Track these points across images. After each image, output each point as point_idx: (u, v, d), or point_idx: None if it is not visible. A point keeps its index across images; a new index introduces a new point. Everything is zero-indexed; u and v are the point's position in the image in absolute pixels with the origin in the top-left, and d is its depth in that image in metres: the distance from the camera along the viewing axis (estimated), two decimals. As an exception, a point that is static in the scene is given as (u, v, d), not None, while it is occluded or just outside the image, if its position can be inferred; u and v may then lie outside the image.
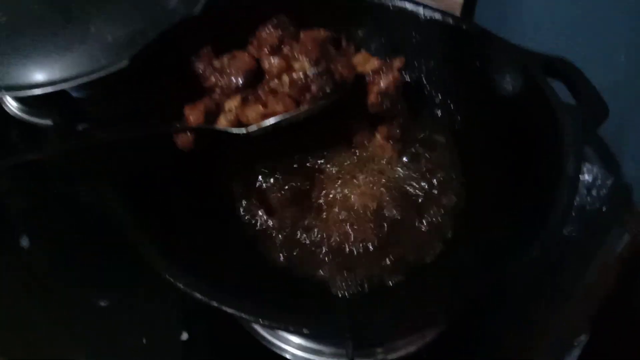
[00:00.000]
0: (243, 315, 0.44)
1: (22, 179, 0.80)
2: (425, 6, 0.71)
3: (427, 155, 0.71)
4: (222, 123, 0.64)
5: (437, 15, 0.70)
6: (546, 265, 0.69)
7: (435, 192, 0.67)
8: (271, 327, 0.45)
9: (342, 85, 0.64)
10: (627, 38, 0.71)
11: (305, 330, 0.43)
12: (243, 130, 0.64)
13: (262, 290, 0.57)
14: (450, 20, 0.69)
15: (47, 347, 0.64)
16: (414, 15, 0.71)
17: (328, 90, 0.63)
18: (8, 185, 0.80)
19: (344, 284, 0.59)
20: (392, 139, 0.71)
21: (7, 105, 0.87)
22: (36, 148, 0.51)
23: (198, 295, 0.44)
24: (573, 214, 0.73)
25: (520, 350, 0.64)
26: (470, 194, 0.66)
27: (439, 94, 0.74)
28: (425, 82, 0.75)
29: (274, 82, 0.67)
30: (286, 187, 0.68)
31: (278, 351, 0.62)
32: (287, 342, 0.62)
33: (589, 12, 0.72)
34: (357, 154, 0.71)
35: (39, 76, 0.73)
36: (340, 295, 0.58)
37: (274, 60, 0.67)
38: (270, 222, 0.64)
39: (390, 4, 0.72)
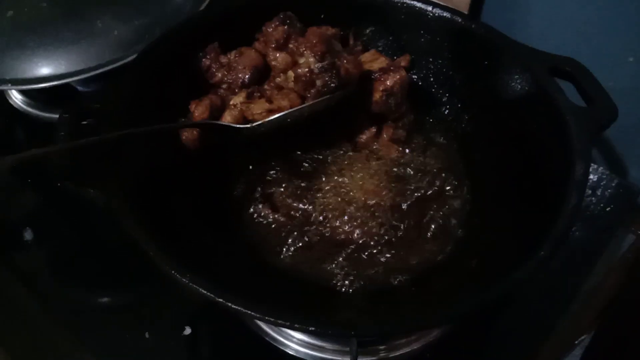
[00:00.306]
0: (249, 312, 0.43)
1: (29, 173, 0.80)
2: (434, 5, 0.70)
3: (433, 156, 0.70)
4: (227, 119, 0.64)
5: (446, 14, 0.70)
6: (550, 265, 0.69)
7: (441, 193, 0.67)
8: (276, 325, 0.45)
9: (347, 81, 0.64)
10: (636, 39, 0.70)
11: (311, 329, 0.43)
12: (247, 126, 0.64)
13: (266, 288, 0.57)
14: (459, 19, 0.69)
15: (49, 342, 0.65)
16: (422, 13, 0.71)
17: (333, 86, 0.63)
18: (14, 178, 0.81)
19: (348, 282, 0.59)
20: (397, 140, 0.70)
21: (12, 99, 0.88)
22: (42, 144, 0.50)
23: (205, 293, 0.44)
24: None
25: (524, 350, 0.63)
26: (476, 195, 0.66)
27: (446, 94, 0.74)
28: (432, 81, 0.75)
29: (280, 78, 0.67)
30: (290, 185, 0.67)
31: (280, 347, 0.63)
32: (290, 338, 0.62)
33: (597, 14, 0.72)
34: (363, 153, 0.70)
35: (45, 70, 0.74)
36: (344, 293, 0.58)
37: (280, 56, 0.67)
38: (274, 220, 0.64)
39: (398, 2, 0.72)
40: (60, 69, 0.73)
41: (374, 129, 0.70)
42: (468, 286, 0.53)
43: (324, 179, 0.68)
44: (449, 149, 0.71)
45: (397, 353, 0.61)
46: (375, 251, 0.61)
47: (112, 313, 0.68)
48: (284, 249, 0.62)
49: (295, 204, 0.65)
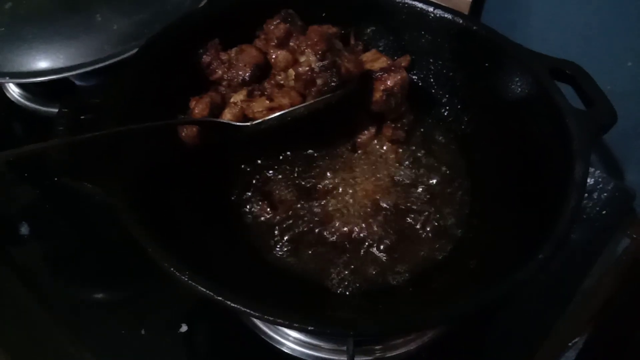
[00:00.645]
0: (248, 311, 0.43)
1: (25, 167, 0.80)
2: (436, 5, 0.70)
3: (433, 156, 0.71)
4: (227, 116, 0.64)
5: (447, 15, 0.70)
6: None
7: (441, 193, 0.67)
8: (275, 324, 0.45)
9: (348, 80, 0.64)
10: (635, 43, 0.71)
11: (310, 328, 0.43)
12: (247, 124, 0.64)
13: (264, 286, 0.57)
14: (460, 21, 0.69)
15: (45, 338, 0.65)
16: (423, 14, 0.71)
17: (333, 85, 0.63)
18: (11, 173, 0.80)
19: (346, 281, 0.59)
20: (396, 141, 0.71)
21: (10, 92, 0.87)
22: (39, 138, 0.50)
23: (204, 291, 0.44)
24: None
25: (521, 350, 0.64)
26: (476, 195, 0.66)
27: (446, 94, 0.74)
28: (432, 81, 0.75)
29: (280, 76, 0.67)
30: (290, 183, 0.67)
31: (277, 345, 0.63)
32: (286, 336, 0.63)
33: (597, 17, 0.72)
34: (362, 153, 0.70)
35: (43, 64, 0.73)
36: (343, 292, 0.58)
37: (281, 54, 0.67)
38: (273, 218, 0.64)
39: (400, 2, 0.72)
40: (59, 62, 0.73)
41: (373, 129, 0.70)
42: (467, 286, 0.53)
43: (323, 178, 0.68)
44: (449, 149, 0.71)
45: (394, 353, 0.61)
46: (374, 251, 0.61)
47: (108, 309, 0.68)
48: (283, 248, 0.62)
49: (294, 203, 0.65)
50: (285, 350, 0.62)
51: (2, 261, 0.71)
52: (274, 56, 0.67)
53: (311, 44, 0.63)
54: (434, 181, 0.68)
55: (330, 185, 0.67)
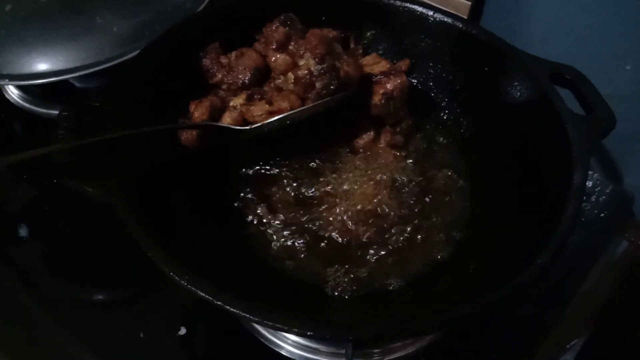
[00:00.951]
0: (247, 316, 0.43)
1: (25, 169, 0.80)
2: (435, 9, 0.71)
3: (432, 159, 0.71)
4: (227, 120, 0.64)
5: (447, 19, 0.70)
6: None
7: (440, 196, 0.67)
8: (274, 329, 0.45)
9: (347, 84, 0.64)
10: (634, 47, 0.71)
11: (309, 333, 0.43)
12: (247, 128, 0.64)
13: (263, 289, 0.57)
14: (460, 25, 0.69)
15: (46, 339, 0.64)
16: (423, 18, 0.71)
17: (333, 88, 0.63)
18: (10, 174, 0.80)
19: (345, 285, 0.59)
20: (395, 145, 0.71)
21: (9, 94, 0.87)
22: (39, 140, 0.50)
23: (204, 295, 0.44)
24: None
25: (519, 353, 0.64)
26: (475, 199, 0.66)
27: (446, 98, 0.74)
28: (432, 85, 0.75)
29: (280, 80, 0.67)
30: (289, 187, 0.67)
31: (275, 348, 0.62)
32: (284, 339, 0.62)
33: (596, 21, 0.72)
34: (362, 157, 0.70)
35: (43, 66, 0.73)
36: (341, 296, 0.58)
37: (280, 57, 0.67)
38: (272, 221, 0.64)
39: (400, 6, 0.72)
40: (59, 65, 0.73)
41: (373, 133, 0.70)
42: (466, 290, 0.54)
43: (322, 181, 0.68)
44: (449, 152, 0.71)
45: (393, 356, 0.61)
46: (373, 254, 0.61)
47: (107, 311, 0.68)
48: (281, 251, 0.62)
49: (293, 206, 0.65)
50: (284, 354, 0.62)
51: (1, 261, 0.71)
52: (273, 59, 0.67)
53: (310, 47, 0.63)
54: (434, 185, 0.68)
55: (330, 189, 0.67)
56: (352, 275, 0.59)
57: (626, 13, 0.69)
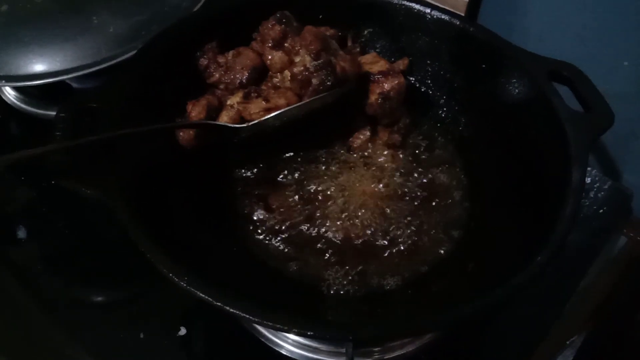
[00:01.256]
0: (247, 316, 0.43)
1: (22, 170, 0.79)
2: (433, 7, 0.70)
3: (430, 158, 0.71)
4: (224, 119, 0.64)
5: (445, 17, 0.70)
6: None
7: (438, 195, 0.67)
8: (274, 329, 0.45)
9: (344, 80, 0.64)
10: (632, 44, 0.71)
11: (309, 333, 0.43)
12: (243, 125, 0.64)
13: (262, 289, 0.57)
14: (457, 22, 0.69)
15: (44, 340, 0.64)
16: (420, 15, 0.71)
17: (329, 84, 0.63)
18: (7, 175, 0.80)
19: (345, 284, 0.59)
20: (392, 145, 0.71)
21: (6, 95, 0.87)
22: (36, 141, 0.50)
23: (203, 296, 0.44)
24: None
25: (519, 351, 0.64)
26: (473, 197, 0.66)
27: (444, 96, 0.74)
28: (430, 83, 0.75)
29: (277, 79, 0.67)
30: (286, 185, 0.67)
31: (275, 347, 0.62)
32: (284, 338, 0.62)
33: (594, 18, 0.72)
34: (360, 156, 0.70)
35: (40, 67, 0.73)
36: (340, 295, 0.58)
37: (276, 55, 0.66)
38: (270, 220, 0.64)
39: (397, 4, 0.72)
40: (56, 65, 0.72)
41: (368, 133, 0.70)
42: (465, 289, 0.54)
43: (320, 181, 0.68)
44: (447, 151, 0.71)
45: (392, 355, 0.61)
46: (372, 254, 0.61)
47: (106, 312, 0.68)
48: (280, 250, 0.62)
49: (291, 206, 0.65)
50: (284, 353, 0.62)
51: (0, 262, 0.71)
52: (269, 57, 0.67)
53: (305, 44, 0.63)
54: (432, 184, 0.68)
55: (327, 188, 0.67)
56: (351, 275, 0.59)
57: (624, 10, 0.69)
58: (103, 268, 0.71)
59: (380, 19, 0.74)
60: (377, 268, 0.60)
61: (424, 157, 0.71)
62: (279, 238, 0.63)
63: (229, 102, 0.65)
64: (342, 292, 0.58)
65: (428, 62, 0.74)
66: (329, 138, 0.71)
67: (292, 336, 0.62)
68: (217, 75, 0.67)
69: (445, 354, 0.63)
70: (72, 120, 0.56)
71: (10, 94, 0.86)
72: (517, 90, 0.64)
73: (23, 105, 0.85)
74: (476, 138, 0.70)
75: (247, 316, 0.43)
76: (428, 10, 0.71)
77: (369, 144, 0.71)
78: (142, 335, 0.63)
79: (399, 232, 0.63)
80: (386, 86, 0.65)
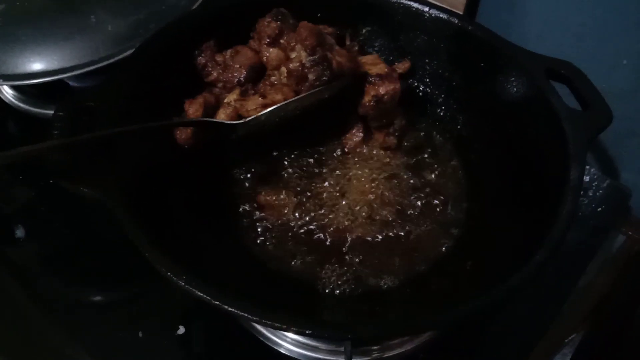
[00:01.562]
0: (245, 315, 0.43)
1: (20, 169, 0.79)
2: (431, 6, 0.70)
3: (429, 157, 0.71)
4: (221, 116, 0.64)
5: (443, 15, 0.70)
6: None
7: (436, 194, 0.67)
8: (273, 328, 0.45)
9: (340, 74, 0.64)
10: (631, 42, 0.71)
11: (307, 332, 0.43)
12: (240, 122, 0.63)
13: (261, 288, 0.57)
14: (456, 21, 0.69)
15: (43, 340, 0.64)
16: (419, 14, 0.71)
17: (325, 79, 0.62)
18: (5, 175, 0.80)
19: (343, 283, 0.59)
20: (388, 147, 0.70)
21: (3, 94, 0.86)
22: (34, 140, 0.50)
23: (202, 295, 0.44)
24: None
25: (517, 349, 0.64)
26: (472, 196, 0.66)
27: (442, 95, 0.74)
28: (428, 82, 0.75)
29: (275, 76, 0.67)
30: (284, 186, 0.67)
31: (274, 346, 0.62)
32: (284, 337, 0.62)
33: (592, 16, 0.72)
34: (357, 155, 0.70)
35: (37, 66, 0.73)
36: (339, 294, 0.58)
37: (273, 52, 0.66)
38: (269, 221, 0.64)
39: (395, 3, 0.72)
40: (53, 64, 0.72)
41: (361, 134, 0.70)
42: (464, 288, 0.54)
43: (318, 180, 0.68)
44: (445, 150, 0.72)
45: (391, 353, 0.62)
46: (371, 253, 0.62)
47: (105, 311, 0.68)
48: (278, 250, 0.62)
49: (290, 205, 0.65)
50: (283, 352, 0.62)
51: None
52: (266, 54, 0.67)
53: (301, 39, 0.63)
54: (430, 183, 0.68)
55: (326, 188, 0.67)
56: (349, 274, 0.60)
57: (622, 8, 0.69)
58: (102, 268, 0.71)
59: (378, 18, 0.74)
60: (376, 267, 0.60)
61: (422, 155, 0.71)
62: (277, 237, 0.63)
63: (226, 100, 0.65)
64: (340, 291, 0.58)
65: (426, 60, 0.74)
66: (326, 137, 0.71)
67: (291, 335, 0.62)
68: (215, 74, 0.67)
69: (444, 352, 0.63)
70: (70, 119, 0.55)
71: (8, 92, 0.86)
72: (515, 89, 0.64)
73: (21, 104, 0.85)
74: (474, 137, 0.70)
75: (246, 315, 0.43)
76: (426, 9, 0.70)
77: (367, 144, 0.71)
78: (141, 335, 0.63)
79: (397, 231, 0.63)
80: (381, 90, 0.65)
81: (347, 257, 0.61)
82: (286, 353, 0.62)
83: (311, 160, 0.70)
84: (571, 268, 0.71)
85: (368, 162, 0.70)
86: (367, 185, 0.67)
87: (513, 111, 0.64)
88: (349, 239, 0.63)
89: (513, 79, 0.64)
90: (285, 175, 0.68)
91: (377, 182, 0.68)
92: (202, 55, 0.67)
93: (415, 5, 0.71)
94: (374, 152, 0.70)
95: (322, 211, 0.65)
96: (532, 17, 0.79)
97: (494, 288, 0.44)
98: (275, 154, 0.70)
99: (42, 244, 0.74)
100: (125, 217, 0.49)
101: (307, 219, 0.64)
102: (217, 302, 0.44)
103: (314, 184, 0.67)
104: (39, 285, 0.69)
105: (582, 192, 0.77)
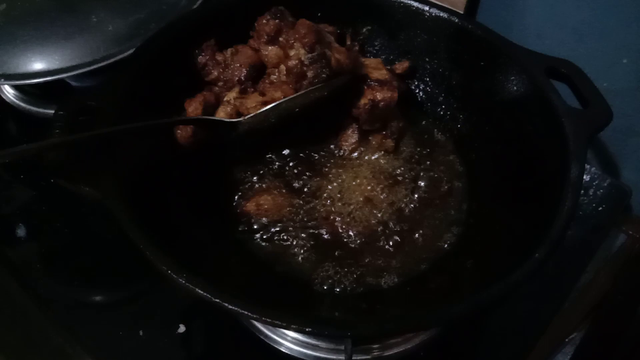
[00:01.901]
0: (246, 313, 0.43)
1: (21, 168, 0.79)
2: (431, 4, 0.70)
3: (429, 155, 0.71)
4: (221, 115, 0.64)
5: (443, 14, 0.70)
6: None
7: (436, 193, 0.67)
8: (273, 325, 0.45)
9: (339, 72, 0.64)
10: (631, 41, 0.71)
11: (307, 330, 0.43)
12: (239, 119, 0.63)
13: (261, 286, 0.58)
14: (456, 20, 0.69)
15: (43, 340, 0.64)
16: (419, 13, 0.71)
17: (325, 76, 0.62)
18: (6, 174, 0.80)
19: (343, 282, 0.59)
20: (386, 151, 0.70)
21: (4, 94, 0.87)
22: (35, 140, 0.50)
23: (202, 293, 0.44)
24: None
25: (517, 347, 0.64)
26: (472, 195, 0.66)
27: (442, 94, 0.74)
28: (428, 80, 0.75)
29: (275, 75, 0.67)
30: (284, 185, 0.67)
31: (274, 345, 0.62)
32: (284, 336, 0.62)
33: (592, 15, 0.72)
34: (357, 155, 0.70)
35: (38, 65, 0.73)
36: (339, 293, 0.58)
37: (271, 50, 0.66)
38: (268, 220, 0.64)
39: (395, 2, 0.72)
40: (54, 64, 0.72)
41: (356, 135, 0.70)
42: (464, 286, 0.54)
43: (317, 179, 0.68)
44: (445, 148, 0.72)
45: (392, 352, 0.62)
46: (370, 251, 0.62)
47: (106, 310, 0.68)
48: (278, 249, 0.62)
49: (289, 205, 0.65)
50: (284, 350, 0.62)
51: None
52: (265, 53, 0.67)
53: (299, 37, 0.63)
54: (430, 181, 0.68)
55: (325, 186, 0.67)
56: (349, 273, 0.60)
57: (622, 6, 0.69)
58: (102, 267, 0.71)
59: (378, 17, 0.74)
60: (376, 266, 0.60)
61: (422, 154, 0.71)
62: (277, 236, 0.63)
63: (225, 98, 0.65)
64: (340, 290, 0.58)
65: (427, 59, 0.74)
66: (326, 137, 0.71)
67: (291, 333, 0.62)
68: (215, 73, 0.67)
69: (445, 350, 0.63)
70: (70, 118, 0.56)
71: (9, 92, 0.86)
72: (515, 88, 0.64)
73: (22, 104, 0.85)
74: (475, 135, 0.70)
75: (247, 313, 0.43)
76: (427, 8, 0.71)
77: (360, 147, 0.71)
78: (141, 333, 0.63)
79: (397, 229, 0.63)
80: (378, 96, 0.65)
81: (347, 256, 0.61)
82: (287, 352, 0.62)
83: (311, 160, 0.70)
84: (571, 267, 0.71)
85: (367, 161, 0.70)
86: (366, 184, 0.67)
87: (513, 110, 0.64)
88: (350, 238, 0.63)
89: (513, 77, 0.64)
90: (285, 174, 0.68)
91: (376, 181, 0.67)
92: (203, 54, 0.67)
93: (416, 4, 0.71)
94: (376, 152, 0.70)
95: (322, 210, 0.65)
96: (532, 16, 0.79)
97: (494, 285, 0.44)
98: (274, 153, 0.70)
99: (43, 244, 0.74)
100: (125, 216, 0.49)
101: (306, 218, 0.64)
102: (218, 300, 0.44)
103: (313, 184, 0.67)
104: (38, 285, 0.69)
105: (582, 191, 0.77)
